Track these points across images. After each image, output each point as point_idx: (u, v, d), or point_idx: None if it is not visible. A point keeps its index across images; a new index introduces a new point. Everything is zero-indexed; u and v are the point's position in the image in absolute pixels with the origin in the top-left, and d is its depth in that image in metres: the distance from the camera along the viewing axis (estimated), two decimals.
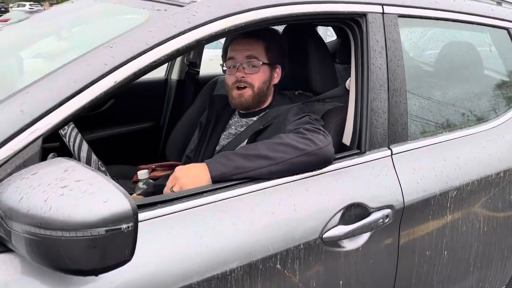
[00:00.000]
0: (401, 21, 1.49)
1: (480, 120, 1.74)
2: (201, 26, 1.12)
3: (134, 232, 0.73)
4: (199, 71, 2.80)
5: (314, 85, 1.66)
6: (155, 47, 1.06)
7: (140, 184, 1.78)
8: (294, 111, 1.52)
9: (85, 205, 0.70)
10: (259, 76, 1.57)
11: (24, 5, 27.53)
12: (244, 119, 1.65)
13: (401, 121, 1.44)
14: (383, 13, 1.44)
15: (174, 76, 2.75)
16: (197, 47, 1.13)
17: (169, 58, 1.09)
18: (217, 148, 1.64)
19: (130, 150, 2.50)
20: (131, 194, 1.62)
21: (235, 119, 1.68)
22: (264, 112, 1.62)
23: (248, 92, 1.57)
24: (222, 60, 1.68)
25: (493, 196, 1.61)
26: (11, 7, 30.17)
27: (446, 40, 1.86)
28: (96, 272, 0.75)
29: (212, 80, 2.42)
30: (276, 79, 1.64)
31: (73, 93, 0.96)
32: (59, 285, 0.86)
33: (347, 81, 1.52)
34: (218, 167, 1.18)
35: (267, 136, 1.46)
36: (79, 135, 1.26)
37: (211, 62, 2.91)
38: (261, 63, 1.57)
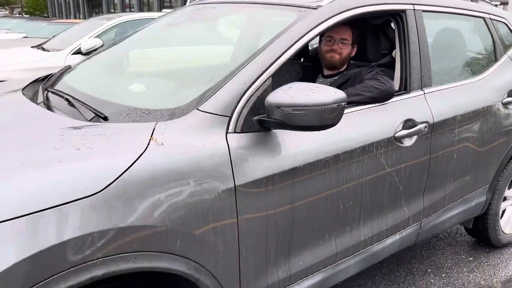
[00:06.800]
0: (424, 14, 2.46)
1: (470, 76, 2.74)
2: (326, 21, 2.04)
3: (342, 109, 1.65)
4: None
5: (370, 56, 2.63)
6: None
7: None
8: (366, 70, 2.45)
9: (322, 95, 1.62)
10: (346, 49, 2.49)
11: None
12: (327, 80, 2.57)
13: (428, 75, 2.41)
14: (414, 10, 2.40)
15: None
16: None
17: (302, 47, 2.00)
18: None
19: None
20: None
21: (320, 80, 2.61)
22: (342, 74, 2.54)
23: (337, 56, 2.49)
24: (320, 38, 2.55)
25: (481, 121, 2.61)
26: None
27: (439, 27, 2.87)
28: (326, 127, 1.66)
29: None
30: (353, 53, 2.55)
31: (265, 68, 1.84)
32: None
33: (393, 52, 2.48)
34: None
35: (347, 87, 2.40)
36: None
37: None
38: (350, 42, 2.49)
